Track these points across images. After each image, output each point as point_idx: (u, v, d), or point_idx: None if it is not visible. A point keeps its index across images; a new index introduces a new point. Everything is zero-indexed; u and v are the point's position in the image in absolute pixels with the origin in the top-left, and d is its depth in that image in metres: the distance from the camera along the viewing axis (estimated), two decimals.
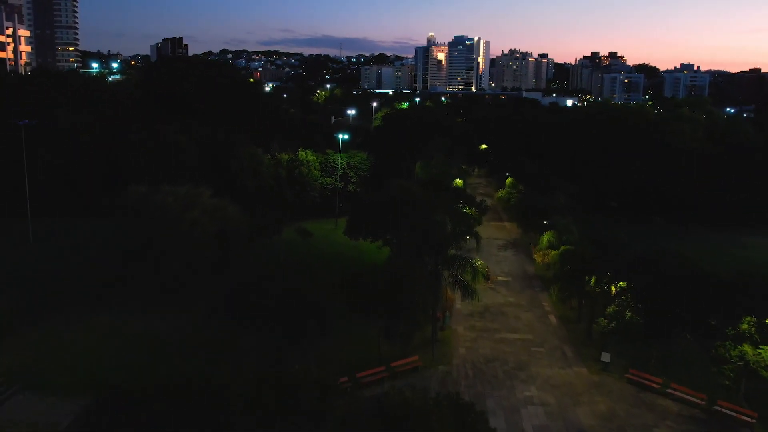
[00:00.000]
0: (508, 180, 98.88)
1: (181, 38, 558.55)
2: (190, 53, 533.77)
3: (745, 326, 36.88)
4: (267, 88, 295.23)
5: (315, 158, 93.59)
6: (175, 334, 49.68)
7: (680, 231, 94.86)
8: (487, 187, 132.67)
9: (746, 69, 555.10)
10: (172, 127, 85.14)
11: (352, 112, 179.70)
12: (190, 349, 46.94)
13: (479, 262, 49.99)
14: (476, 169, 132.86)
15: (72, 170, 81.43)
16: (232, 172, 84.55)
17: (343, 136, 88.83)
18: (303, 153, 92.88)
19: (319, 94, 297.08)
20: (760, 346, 36.52)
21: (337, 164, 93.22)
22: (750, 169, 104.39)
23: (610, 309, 42.39)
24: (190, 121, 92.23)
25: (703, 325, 37.68)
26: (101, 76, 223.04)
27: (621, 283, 44.62)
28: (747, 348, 36.03)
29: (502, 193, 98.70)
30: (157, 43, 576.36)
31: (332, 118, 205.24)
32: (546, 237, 64.61)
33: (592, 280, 47.50)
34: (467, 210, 68.28)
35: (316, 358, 41.32)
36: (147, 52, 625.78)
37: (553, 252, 61.04)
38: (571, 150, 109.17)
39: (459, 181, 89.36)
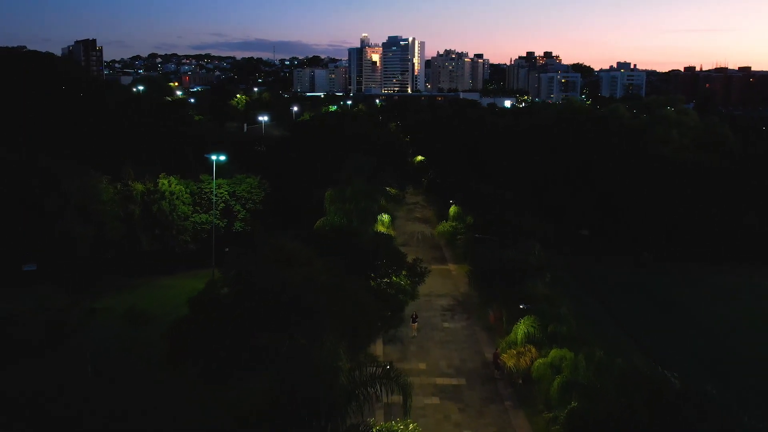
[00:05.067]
0: (453, 209, 73.90)
1: (94, 40, 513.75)
2: (117, 58, 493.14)
3: None
4: (179, 93, 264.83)
5: (183, 187, 66.48)
6: None
7: (685, 274, 71.63)
8: (425, 209, 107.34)
9: (671, 68, 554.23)
10: None
11: (264, 118, 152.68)
12: None
13: (411, 428, 24.44)
14: (411, 188, 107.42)
15: None
16: (47, 215, 56.97)
17: (218, 158, 62.03)
18: (165, 181, 65.63)
19: (239, 98, 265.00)
20: None
21: (214, 195, 66.40)
22: (747, 185, 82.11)
23: None
24: None
25: None
26: None
27: None
28: None
29: (445, 226, 73.64)
30: (68, 46, 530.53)
31: (245, 125, 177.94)
32: (522, 328, 39.20)
33: None
34: (395, 279, 42.63)
35: None
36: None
37: (540, 361, 35.73)
38: (532, 164, 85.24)
39: (386, 218, 63.60)
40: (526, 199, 75.90)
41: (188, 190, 66.99)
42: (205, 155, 63.08)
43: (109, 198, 62.19)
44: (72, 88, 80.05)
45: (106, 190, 62.75)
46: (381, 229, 61.63)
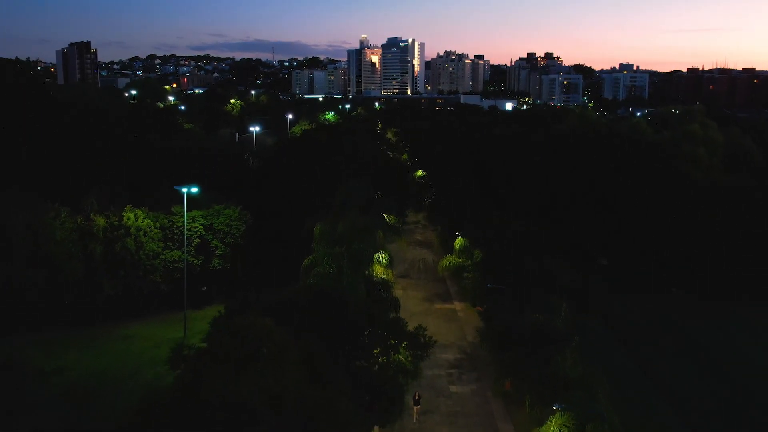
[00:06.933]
0: (458, 241, 65.70)
1: (89, 42, 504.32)
2: (116, 59, 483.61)
3: None
4: (171, 98, 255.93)
5: (151, 221, 58.17)
6: None
7: (723, 316, 63.18)
8: (426, 231, 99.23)
9: (673, 68, 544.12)
10: None
11: (256, 128, 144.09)
12: None
13: None
14: (411, 209, 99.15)
15: None
16: None
17: (189, 189, 53.86)
18: (131, 214, 57.31)
19: (234, 103, 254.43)
20: None
21: (185, 230, 58.02)
22: None
23: None
24: None
25: None
26: None
27: None
28: None
29: (450, 260, 65.52)
30: (63, 49, 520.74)
31: (236, 135, 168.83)
32: (553, 429, 31.13)
33: None
34: (394, 357, 34.53)
35: None
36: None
37: None
38: (544, 184, 77.08)
39: (383, 257, 55.25)
40: (538, 226, 67.66)
41: (158, 224, 58.53)
42: (175, 187, 54.68)
43: (64, 236, 53.87)
44: (28, 101, 71.19)
45: (62, 225, 54.44)
46: (378, 270, 53.34)
